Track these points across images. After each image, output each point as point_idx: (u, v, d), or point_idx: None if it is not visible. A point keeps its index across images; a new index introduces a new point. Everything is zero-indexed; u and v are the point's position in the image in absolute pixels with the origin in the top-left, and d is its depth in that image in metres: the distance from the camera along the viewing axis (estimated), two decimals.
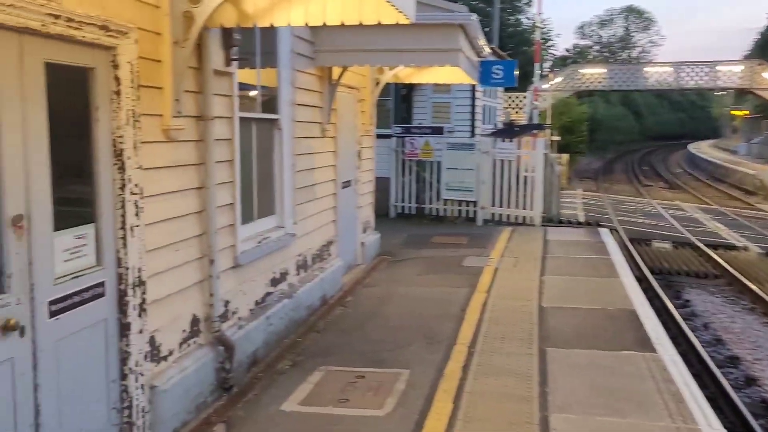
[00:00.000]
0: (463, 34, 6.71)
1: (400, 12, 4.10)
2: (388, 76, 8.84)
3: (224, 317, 4.94)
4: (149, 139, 3.95)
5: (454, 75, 8.23)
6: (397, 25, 6.72)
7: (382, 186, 11.71)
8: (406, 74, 9.06)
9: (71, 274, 3.42)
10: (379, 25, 6.75)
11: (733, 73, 37.63)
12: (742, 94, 52.39)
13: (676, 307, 9.78)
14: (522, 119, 33.30)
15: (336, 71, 7.22)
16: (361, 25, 6.74)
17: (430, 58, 6.89)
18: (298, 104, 6.39)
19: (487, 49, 8.56)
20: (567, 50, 71.58)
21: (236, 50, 4.97)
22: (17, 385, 3.08)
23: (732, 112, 66.56)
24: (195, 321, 4.55)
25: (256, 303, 5.57)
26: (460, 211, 13.32)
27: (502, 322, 6.57)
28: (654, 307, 7.62)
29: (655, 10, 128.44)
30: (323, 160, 7.20)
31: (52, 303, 3.26)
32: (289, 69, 6.20)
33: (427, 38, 6.66)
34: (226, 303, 5.01)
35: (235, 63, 5.01)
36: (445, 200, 13.37)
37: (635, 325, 6.47)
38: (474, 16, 6.89)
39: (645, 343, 5.95)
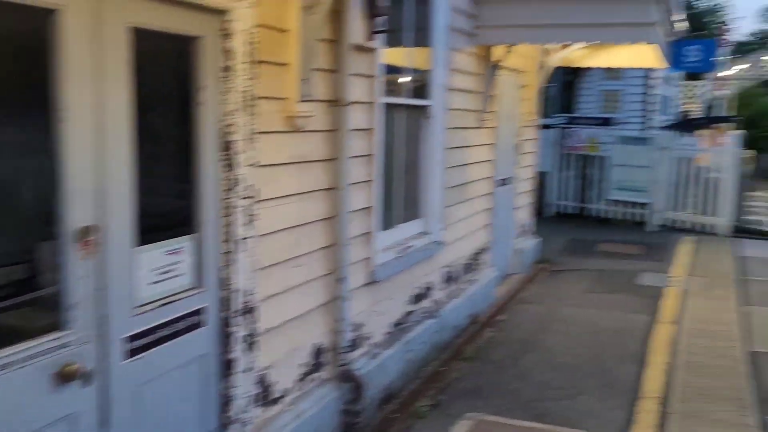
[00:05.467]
0: (659, 4, 5.32)
1: None
2: (558, 59, 7.57)
3: (354, 345, 4.08)
4: (268, 129, 3.13)
5: (641, 56, 6.81)
6: None
7: (538, 182, 10.39)
8: (578, 56, 7.73)
9: (160, 299, 2.67)
10: None
11: None
12: None
13: None
14: (696, 110, 29.95)
15: (499, 51, 6.12)
16: None
17: (617, 34, 5.57)
18: (453, 89, 5.38)
19: (680, 26, 7.01)
20: (751, 35, 64.25)
21: (382, 21, 4.05)
22: None
23: None
24: (317, 352, 3.72)
25: (394, 325, 4.67)
26: (627, 213, 11.66)
27: (701, 370, 5.16)
28: None
29: None
30: (479, 155, 6.15)
31: (131, 339, 2.52)
32: (445, 47, 5.19)
33: (614, 9, 5.35)
34: (358, 327, 4.14)
35: (379, 37, 4.09)
36: (612, 200, 11.77)
37: None
38: None
39: None
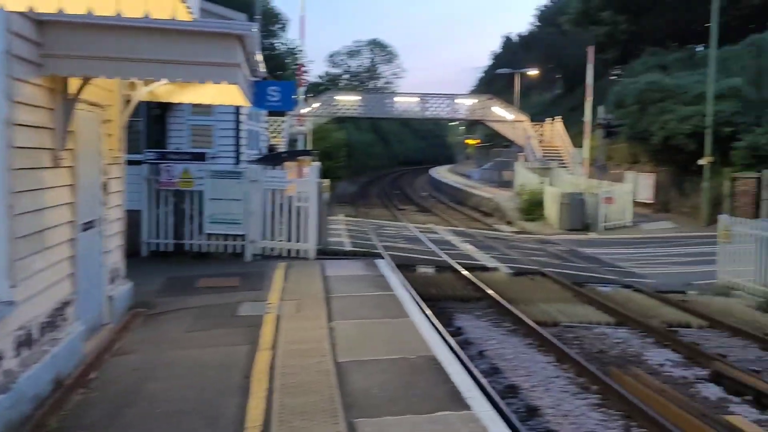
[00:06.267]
0: (242, 47, 5.60)
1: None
2: (143, 93, 7.33)
3: None
4: None
5: (227, 95, 7.05)
6: (162, 29, 5.44)
7: (131, 220, 9.90)
8: (165, 91, 7.63)
9: None
10: (139, 27, 5.41)
11: (468, 106, 41.43)
12: (474, 125, 58.35)
13: (451, 335, 9.61)
14: (281, 144, 32.76)
15: (74, 83, 5.61)
16: (114, 26, 5.35)
17: (203, 73, 5.63)
18: (19, 124, 4.70)
19: (262, 68, 7.59)
20: (320, 77, 73.69)
21: None
22: None
23: (466, 141, 74.15)
24: None
25: None
26: (226, 246, 11.98)
27: (297, 389, 5.51)
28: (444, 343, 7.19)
29: (395, 44, 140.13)
30: (56, 197, 5.50)
31: None
32: (4, 76, 4.51)
33: (201, 48, 5.43)
34: None
35: None
36: (209, 234, 11.92)
37: (441, 376, 5.88)
38: (255, 27, 5.81)
39: (457, 399, 5.36)
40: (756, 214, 19.75)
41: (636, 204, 26.76)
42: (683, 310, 11.56)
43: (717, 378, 7.90)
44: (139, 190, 11.48)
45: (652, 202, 27.93)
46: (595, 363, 8.46)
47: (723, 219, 13.65)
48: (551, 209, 26.54)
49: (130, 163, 9.50)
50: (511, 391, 7.86)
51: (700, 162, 23.53)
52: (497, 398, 6.48)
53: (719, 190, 23.13)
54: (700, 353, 8.90)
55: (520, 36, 66.98)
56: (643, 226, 24.91)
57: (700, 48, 36.57)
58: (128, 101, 7.51)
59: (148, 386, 5.53)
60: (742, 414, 6.87)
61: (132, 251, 10.40)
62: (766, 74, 24.13)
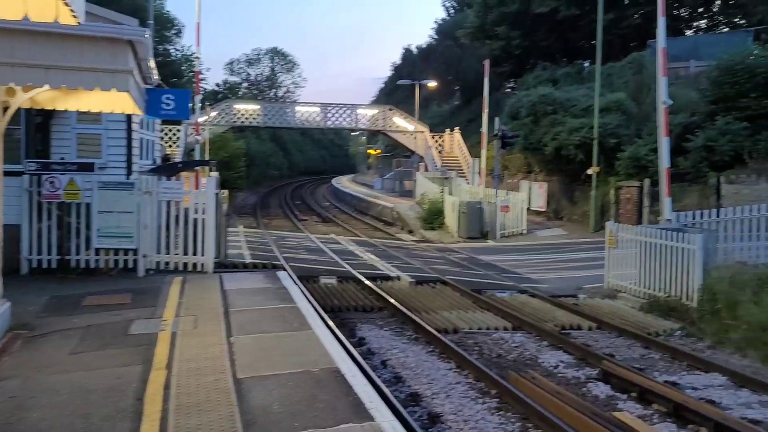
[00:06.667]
0: (134, 52, 5.34)
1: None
2: (23, 100, 6.83)
3: None
4: None
5: (117, 102, 6.71)
6: (44, 32, 5.09)
7: (9, 235, 9.18)
8: (48, 98, 7.16)
9: None
10: (17, 30, 5.03)
11: (369, 116, 41.75)
12: (375, 135, 58.97)
13: (354, 346, 9.57)
14: (176, 154, 31.68)
15: None
16: None
17: (90, 80, 5.32)
18: None
19: (156, 75, 7.30)
20: (218, 85, 71.97)
21: None
22: None
23: (368, 151, 74.83)
24: None
25: None
26: (116, 261, 11.37)
27: (194, 409, 5.28)
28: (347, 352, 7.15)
29: (295, 53, 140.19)
30: None
31: None
32: None
33: (88, 54, 5.14)
34: None
35: None
36: (98, 249, 11.28)
37: (344, 388, 5.83)
38: (147, 33, 5.56)
39: (360, 410, 5.34)
40: (638, 221, 21.10)
41: (530, 212, 27.92)
42: (575, 313, 12.13)
43: (606, 377, 8.32)
44: (18, 203, 10.71)
45: (544, 210, 29.22)
46: (493, 368, 8.69)
47: (609, 225, 14.47)
48: (451, 218, 27.17)
49: (8, 174, 8.86)
50: (413, 399, 7.91)
51: (588, 172, 24.88)
52: (400, 407, 6.49)
53: (606, 198, 24.54)
54: (590, 354, 9.35)
55: (419, 48, 68.37)
56: (538, 234, 26.01)
57: (587, 64, 38.79)
58: (6, 108, 6.97)
59: (28, 414, 5.13)
60: (628, 410, 7.26)
61: (10, 269, 9.66)
62: (645, 89, 25.88)
